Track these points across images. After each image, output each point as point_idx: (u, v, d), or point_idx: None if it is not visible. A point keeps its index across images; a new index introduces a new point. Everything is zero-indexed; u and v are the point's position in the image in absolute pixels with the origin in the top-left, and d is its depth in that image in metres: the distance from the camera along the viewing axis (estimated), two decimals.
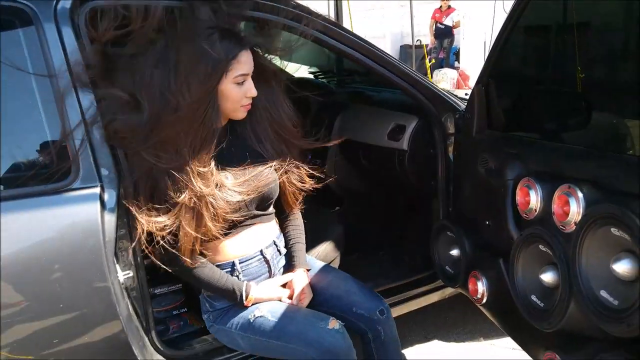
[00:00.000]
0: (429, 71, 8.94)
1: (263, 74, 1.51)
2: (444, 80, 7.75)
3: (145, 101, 1.34)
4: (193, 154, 1.36)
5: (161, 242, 1.35)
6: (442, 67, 9.27)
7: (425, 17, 10.25)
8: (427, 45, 9.83)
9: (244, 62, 1.39)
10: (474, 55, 8.23)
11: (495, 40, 1.67)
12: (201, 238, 1.41)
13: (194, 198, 1.35)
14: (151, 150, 1.35)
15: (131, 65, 1.36)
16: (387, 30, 11.95)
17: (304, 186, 1.60)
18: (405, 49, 11.27)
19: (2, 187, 1.28)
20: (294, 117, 1.59)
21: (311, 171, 1.61)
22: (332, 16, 8.33)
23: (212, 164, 1.41)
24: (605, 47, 1.67)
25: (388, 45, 11.95)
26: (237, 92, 1.41)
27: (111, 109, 1.34)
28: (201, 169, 1.37)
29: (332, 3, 8.30)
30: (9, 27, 1.31)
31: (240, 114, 1.48)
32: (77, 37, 1.34)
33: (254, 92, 1.43)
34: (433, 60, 9.54)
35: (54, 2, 1.34)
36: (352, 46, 1.76)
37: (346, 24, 8.72)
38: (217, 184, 1.40)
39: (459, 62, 9.36)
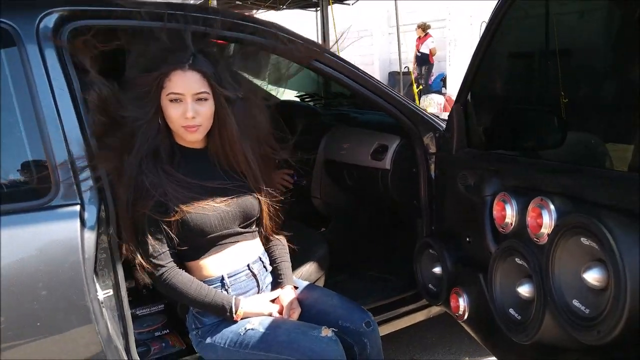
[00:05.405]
0: (416, 97, 9.05)
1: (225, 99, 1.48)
2: (431, 105, 7.85)
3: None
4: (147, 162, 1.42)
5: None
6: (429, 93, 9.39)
7: (413, 45, 10.42)
8: (413, 72, 9.98)
9: (176, 82, 1.40)
10: (460, 81, 8.36)
11: (471, 61, 1.73)
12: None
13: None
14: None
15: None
16: (376, 57, 12.14)
17: (280, 207, 1.62)
18: (393, 76, 11.44)
19: None
20: (270, 142, 1.61)
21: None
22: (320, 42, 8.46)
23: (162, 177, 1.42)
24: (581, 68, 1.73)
25: (377, 71, 12.12)
26: (173, 111, 1.42)
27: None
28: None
29: (319, 28, 8.45)
30: None
31: (187, 136, 1.47)
32: (60, 57, 1.37)
33: (189, 114, 1.41)
34: (421, 87, 9.68)
35: (36, 21, 1.36)
36: (337, 69, 1.80)
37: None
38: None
39: (445, 88, 9.48)
